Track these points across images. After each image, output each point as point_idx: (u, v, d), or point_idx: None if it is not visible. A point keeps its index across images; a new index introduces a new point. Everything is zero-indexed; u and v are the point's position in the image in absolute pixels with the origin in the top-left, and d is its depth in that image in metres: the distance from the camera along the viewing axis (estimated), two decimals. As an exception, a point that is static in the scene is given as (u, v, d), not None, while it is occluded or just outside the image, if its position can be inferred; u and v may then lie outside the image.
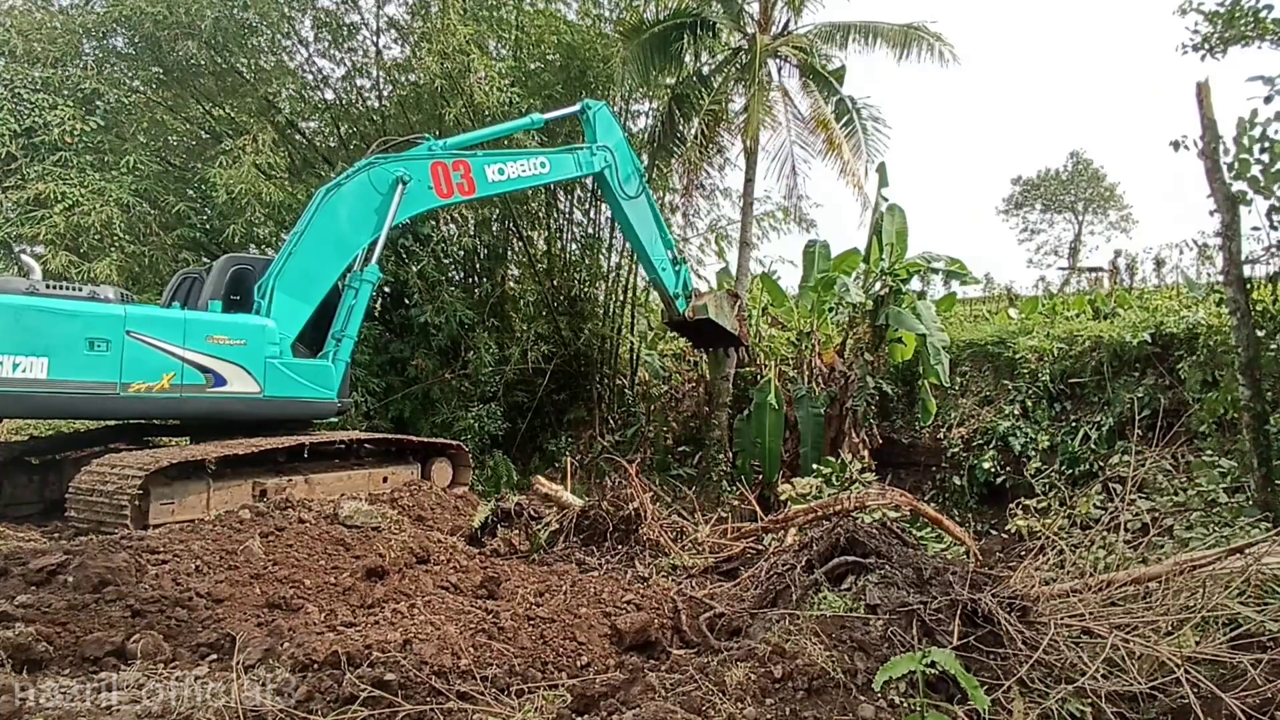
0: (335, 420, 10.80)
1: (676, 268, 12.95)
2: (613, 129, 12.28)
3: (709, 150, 16.61)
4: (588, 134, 12.08)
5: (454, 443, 11.05)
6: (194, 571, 5.59)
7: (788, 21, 16.15)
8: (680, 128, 16.42)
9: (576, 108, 12.29)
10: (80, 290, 8.28)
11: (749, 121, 14.91)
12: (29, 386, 7.47)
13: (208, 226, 14.03)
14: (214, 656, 4.29)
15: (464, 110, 13.35)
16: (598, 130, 11.93)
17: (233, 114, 15.21)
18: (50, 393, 7.60)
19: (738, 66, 15.97)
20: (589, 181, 14.52)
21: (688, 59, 16.24)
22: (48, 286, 8.04)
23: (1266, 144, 6.72)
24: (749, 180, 15.97)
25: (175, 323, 8.46)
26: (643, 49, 14.79)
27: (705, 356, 15.04)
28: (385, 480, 9.56)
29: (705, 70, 16.70)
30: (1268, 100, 7.21)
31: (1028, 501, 9.00)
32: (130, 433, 9.73)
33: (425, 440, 10.78)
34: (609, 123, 12.26)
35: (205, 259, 14.02)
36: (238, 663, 3.91)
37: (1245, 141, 6.80)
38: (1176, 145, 7.17)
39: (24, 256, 9.31)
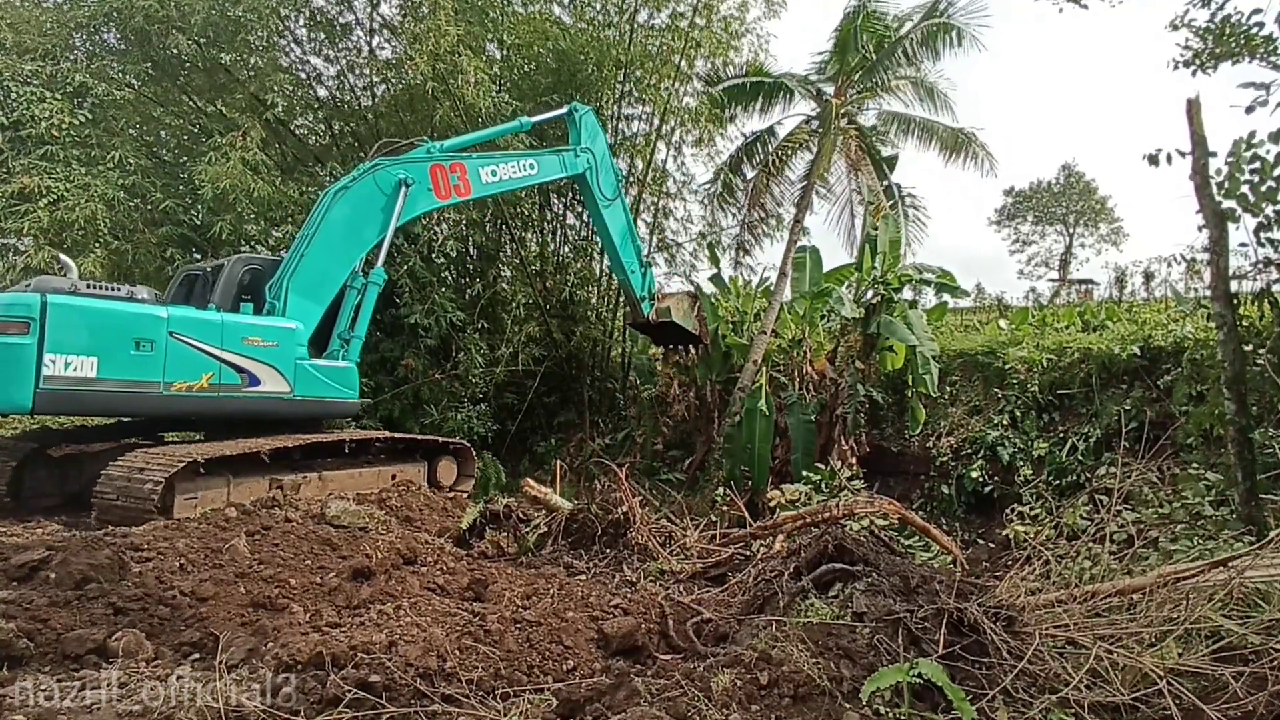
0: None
1: (644, 271, 13.26)
2: (597, 133, 12.49)
3: (769, 183, 19.08)
4: (572, 136, 12.24)
5: (462, 442, 11.31)
6: (178, 569, 5.54)
7: (855, 99, 18.20)
8: (743, 165, 19.35)
9: (564, 110, 12.47)
10: (119, 290, 8.37)
11: (816, 164, 17.08)
12: (79, 385, 7.59)
13: (196, 223, 13.91)
14: (197, 656, 4.26)
15: (454, 111, 13.34)
16: (583, 133, 12.14)
17: (223, 110, 15.11)
18: (98, 391, 7.73)
19: (807, 119, 18.40)
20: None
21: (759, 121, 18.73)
22: (87, 286, 8.12)
23: (1257, 162, 6.78)
24: (797, 221, 16.72)
25: (214, 324, 8.68)
26: (725, 94, 17.44)
27: (692, 355, 15.05)
28: (394, 478, 9.82)
29: (775, 124, 18.99)
30: (1249, 111, 7.30)
31: (1021, 508, 9.04)
32: (144, 428, 9.80)
33: (436, 439, 11.05)
34: (594, 127, 12.45)
35: (194, 255, 13.91)
36: (220, 662, 3.88)
37: (1239, 160, 6.86)
38: (1154, 160, 7.22)
39: (61, 256, 9.37)
